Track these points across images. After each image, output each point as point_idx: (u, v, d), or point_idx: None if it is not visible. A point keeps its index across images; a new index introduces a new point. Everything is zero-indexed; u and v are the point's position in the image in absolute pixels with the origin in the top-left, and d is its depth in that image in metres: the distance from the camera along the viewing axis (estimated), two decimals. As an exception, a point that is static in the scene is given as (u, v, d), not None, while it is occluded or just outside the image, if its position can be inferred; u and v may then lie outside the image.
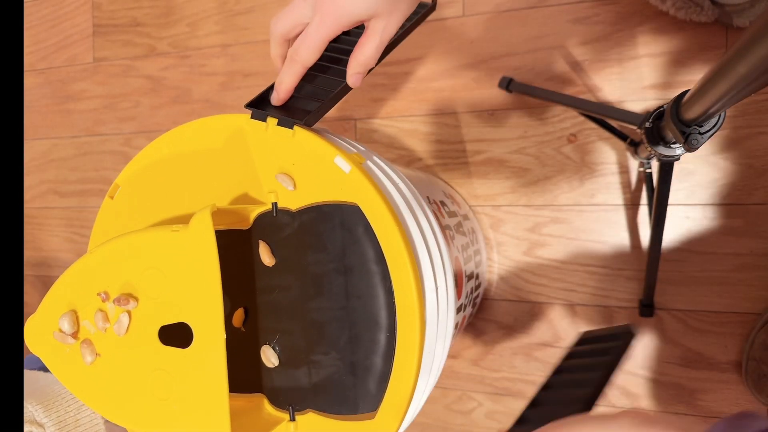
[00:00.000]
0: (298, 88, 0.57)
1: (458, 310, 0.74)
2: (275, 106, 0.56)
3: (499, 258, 1.05)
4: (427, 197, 0.73)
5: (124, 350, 0.47)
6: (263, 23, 1.22)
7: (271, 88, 0.57)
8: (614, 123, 0.96)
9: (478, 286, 0.92)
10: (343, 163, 0.49)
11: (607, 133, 0.98)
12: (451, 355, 1.09)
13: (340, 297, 0.50)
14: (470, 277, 0.83)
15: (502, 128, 1.05)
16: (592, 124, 0.99)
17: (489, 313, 1.06)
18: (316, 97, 0.56)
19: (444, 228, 0.72)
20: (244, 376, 0.52)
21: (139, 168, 0.56)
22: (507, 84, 1.02)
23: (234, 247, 0.51)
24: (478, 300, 0.98)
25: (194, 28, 1.28)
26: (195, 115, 1.28)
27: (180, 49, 1.29)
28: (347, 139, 0.58)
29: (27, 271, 1.44)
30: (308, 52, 0.52)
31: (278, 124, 0.51)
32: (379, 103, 1.13)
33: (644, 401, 0.97)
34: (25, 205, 1.44)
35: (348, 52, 0.64)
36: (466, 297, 0.80)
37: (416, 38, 1.10)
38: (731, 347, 0.93)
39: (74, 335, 0.48)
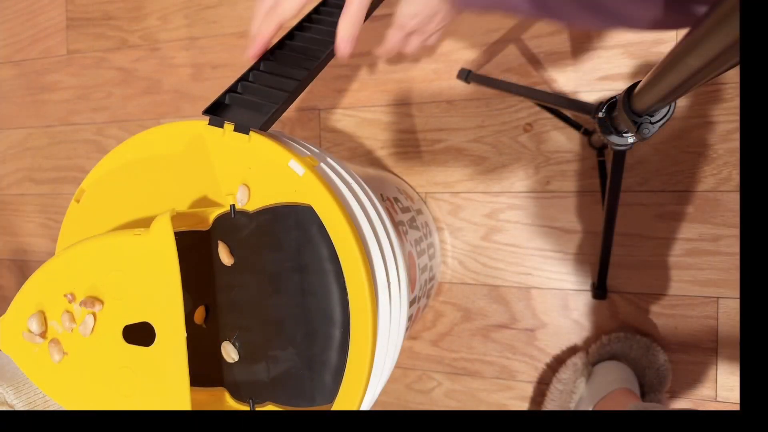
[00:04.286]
0: (254, 89, 0.54)
1: (412, 302, 0.71)
2: (231, 110, 0.52)
3: (457, 243, 0.96)
4: (381, 195, 0.70)
5: (90, 349, 0.44)
6: (231, 17, 1.11)
7: (227, 92, 0.52)
8: (569, 113, 0.88)
9: (432, 278, 0.85)
10: (296, 167, 0.47)
11: (561, 123, 0.89)
12: (411, 337, 0.99)
13: (296, 294, 0.47)
14: (424, 270, 0.78)
15: (460, 118, 0.95)
16: (548, 114, 0.90)
17: (448, 295, 0.97)
18: (271, 98, 0.52)
19: (397, 224, 0.69)
20: (205, 370, 0.49)
21: (104, 172, 0.53)
22: (465, 76, 0.92)
23: (195, 247, 0.49)
24: (432, 291, 0.89)
25: (164, 21, 1.16)
26: (165, 105, 1.16)
27: (150, 41, 1.17)
28: (302, 142, 0.55)
29: (3, 256, 1.31)
30: (290, 6, 0.49)
31: (235, 129, 0.48)
32: (342, 94, 1.03)
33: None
34: (1, 192, 1.30)
35: (304, 50, 0.59)
36: (420, 289, 0.76)
37: (378, 32, 1.00)
38: (681, 329, 0.85)
39: (42, 335, 0.45)
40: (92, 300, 0.43)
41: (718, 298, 0.83)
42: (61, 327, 0.44)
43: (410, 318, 0.73)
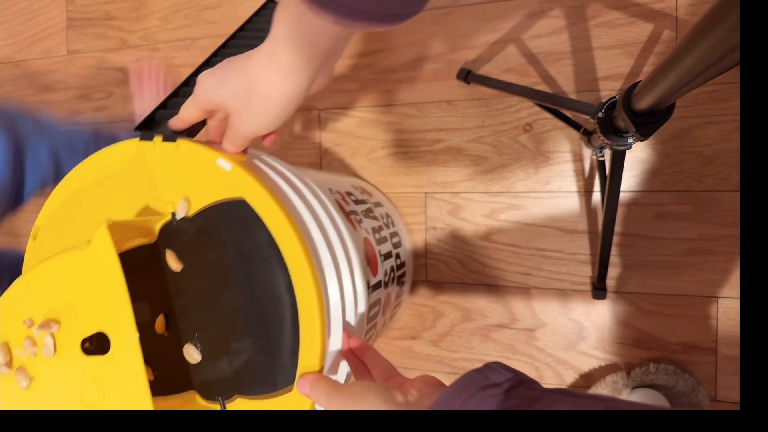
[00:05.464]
0: (176, 104, 0.56)
1: (377, 286, 0.73)
2: (163, 125, 0.54)
3: (457, 243, 0.96)
4: (329, 189, 0.73)
5: (54, 369, 0.45)
6: (231, 17, 1.11)
7: (157, 109, 0.55)
8: (568, 113, 0.88)
9: (401, 266, 0.87)
10: (224, 164, 0.48)
11: (561, 123, 0.89)
12: (411, 336, 0.99)
13: (244, 285, 0.48)
14: (387, 256, 0.80)
15: (460, 118, 0.95)
16: (547, 114, 0.90)
17: (448, 295, 0.97)
18: None
19: (348, 213, 0.72)
20: (175, 378, 0.50)
21: (55, 207, 0.54)
22: (465, 75, 0.92)
23: (147, 259, 0.50)
24: (405, 279, 0.90)
25: (164, 21, 1.16)
26: (165, 105, 1.15)
27: (150, 42, 1.17)
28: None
29: (3, 256, 1.31)
30: (184, 114, 0.50)
31: (163, 140, 0.51)
32: (342, 94, 1.02)
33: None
34: (2, 193, 1.30)
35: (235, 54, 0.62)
36: (386, 275, 0.78)
37: (378, 32, 1.00)
38: (681, 329, 0.85)
39: (8, 364, 0.46)
40: (48, 322, 0.44)
41: (718, 298, 0.83)
42: (24, 354, 0.45)
43: (380, 301, 0.75)
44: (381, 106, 1.00)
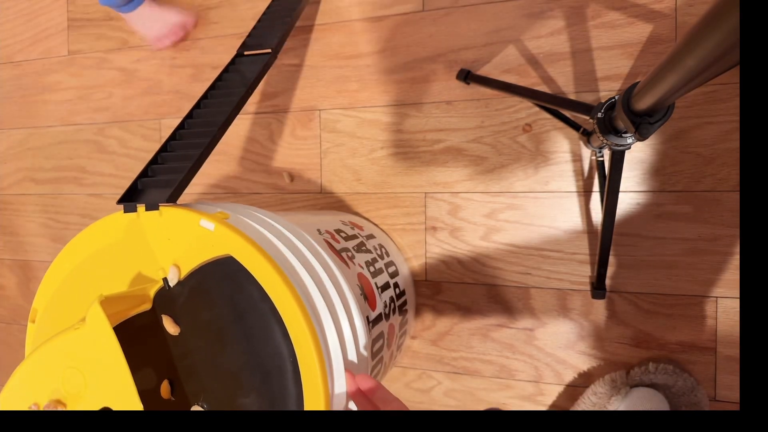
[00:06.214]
0: (163, 169, 0.59)
1: (378, 319, 0.73)
2: (145, 193, 0.56)
3: (457, 243, 0.96)
4: (317, 230, 0.74)
5: None
6: (231, 17, 1.10)
7: (138, 179, 0.57)
8: (567, 113, 0.88)
9: (400, 294, 0.86)
10: (207, 224, 0.50)
11: (560, 123, 0.88)
12: (411, 336, 0.99)
13: (242, 342, 0.49)
14: (385, 287, 0.80)
15: (460, 118, 0.95)
16: (547, 115, 0.90)
17: (448, 295, 0.97)
18: (177, 172, 0.57)
19: (339, 251, 0.72)
20: None
21: (53, 289, 0.55)
22: (465, 76, 0.92)
23: (146, 327, 0.51)
24: (407, 306, 0.89)
25: (165, 21, 1.16)
26: (166, 105, 1.15)
27: (151, 42, 1.17)
28: (217, 204, 0.58)
29: (4, 256, 1.31)
30: None
31: (146, 209, 0.52)
32: (342, 94, 1.02)
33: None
34: (2, 192, 1.30)
35: (204, 123, 0.67)
36: (386, 306, 0.78)
37: (378, 33, 1.00)
38: (680, 328, 0.85)
39: None
40: (54, 404, 0.45)
41: (717, 297, 0.83)
42: None
43: (383, 335, 0.74)
44: (381, 106, 0.99)
